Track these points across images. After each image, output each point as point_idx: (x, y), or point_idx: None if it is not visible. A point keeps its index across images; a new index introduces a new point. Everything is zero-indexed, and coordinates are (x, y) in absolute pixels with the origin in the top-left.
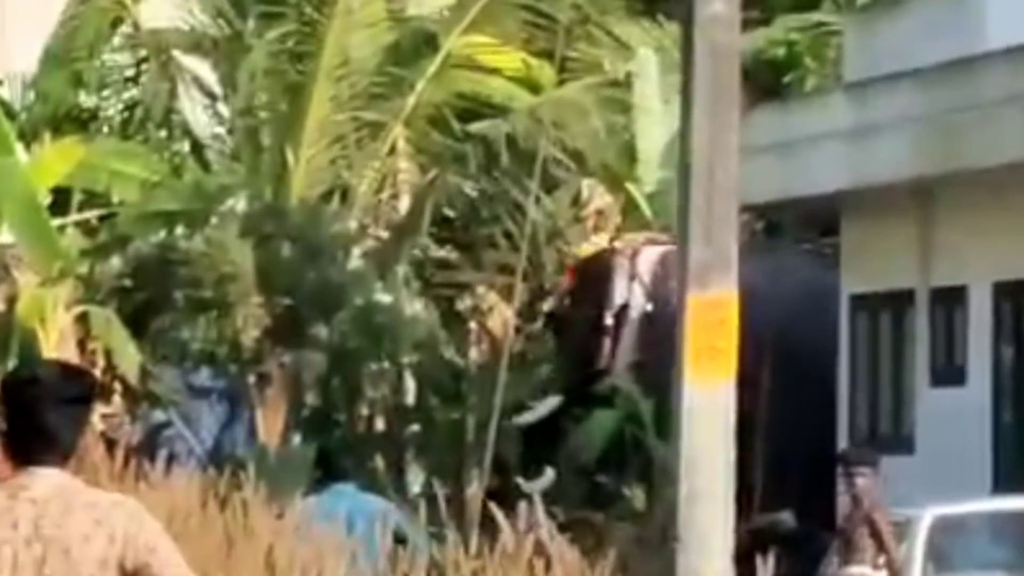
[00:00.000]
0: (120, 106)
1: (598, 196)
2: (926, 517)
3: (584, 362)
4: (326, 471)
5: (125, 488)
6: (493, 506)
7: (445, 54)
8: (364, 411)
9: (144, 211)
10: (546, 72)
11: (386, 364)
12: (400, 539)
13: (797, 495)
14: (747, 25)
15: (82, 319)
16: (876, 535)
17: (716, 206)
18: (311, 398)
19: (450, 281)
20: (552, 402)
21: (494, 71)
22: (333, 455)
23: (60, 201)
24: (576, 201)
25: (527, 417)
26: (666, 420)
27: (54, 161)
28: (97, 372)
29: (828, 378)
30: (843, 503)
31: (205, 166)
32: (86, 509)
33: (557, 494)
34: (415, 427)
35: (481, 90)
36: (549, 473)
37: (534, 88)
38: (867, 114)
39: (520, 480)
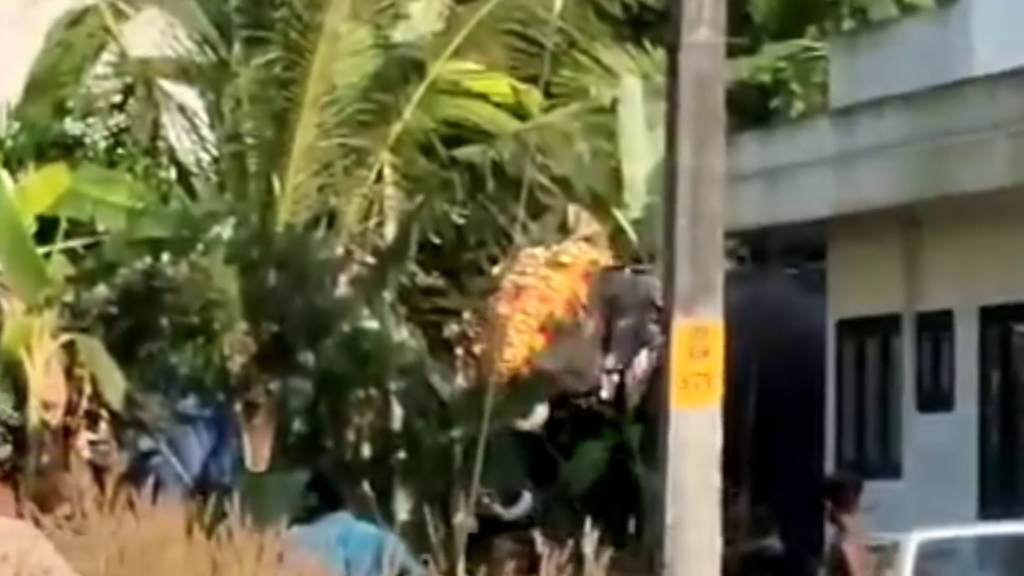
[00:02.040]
0: (105, 133)
1: (584, 222)
2: (913, 542)
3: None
4: (321, 498)
5: (112, 516)
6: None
7: (431, 80)
8: (351, 437)
9: (130, 238)
10: (534, 97)
11: (373, 390)
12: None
13: (784, 520)
14: (732, 51)
15: (68, 347)
16: (842, 567)
17: (701, 232)
18: (298, 424)
19: (437, 307)
20: (543, 411)
21: (481, 97)
22: (328, 482)
23: (46, 228)
24: (563, 227)
25: (523, 424)
26: (653, 447)
27: (39, 189)
28: (84, 400)
29: (815, 403)
30: (830, 528)
31: (191, 193)
32: None
33: (543, 521)
34: (402, 453)
35: (467, 116)
36: (526, 498)
37: (522, 114)
38: (853, 140)
39: (498, 507)
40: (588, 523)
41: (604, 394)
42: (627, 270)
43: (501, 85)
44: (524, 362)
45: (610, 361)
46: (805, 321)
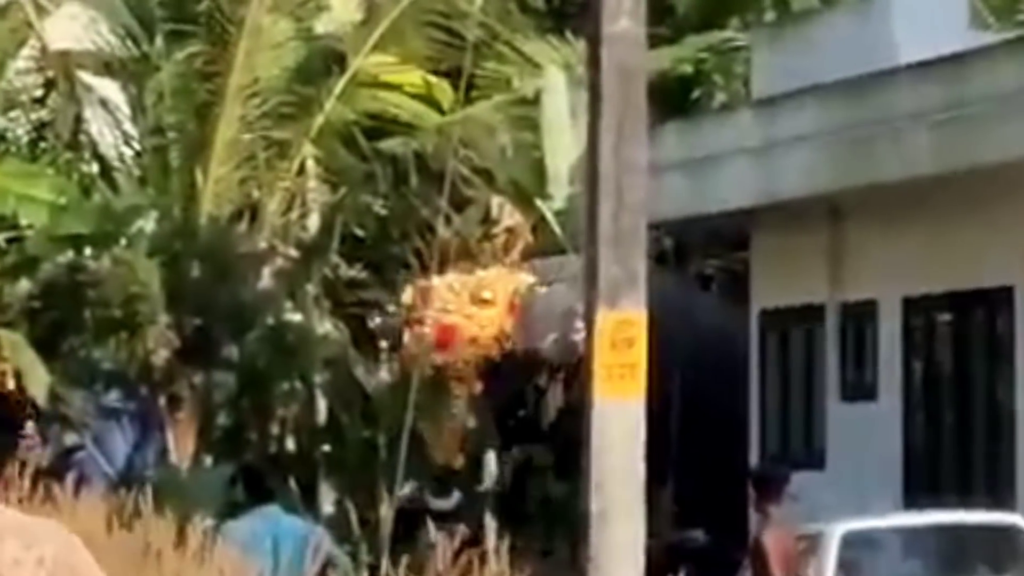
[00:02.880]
0: (27, 127)
1: (508, 214)
2: (837, 532)
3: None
4: (249, 492)
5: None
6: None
7: (352, 73)
8: (275, 431)
9: (53, 233)
10: (447, 91)
11: (297, 383)
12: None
13: (709, 511)
14: (654, 42)
15: None
16: (759, 557)
17: (624, 224)
18: (222, 418)
19: (360, 300)
20: (456, 498)
21: (398, 89)
22: (257, 476)
23: None
24: (486, 219)
25: (439, 504)
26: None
27: None
28: (7, 395)
29: (738, 393)
30: (755, 519)
31: (114, 187)
32: (15, 533)
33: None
34: (326, 447)
35: (387, 109)
36: (456, 492)
37: (436, 106)
38: (775, 130)
39: (429, 498)
40: (488, 515)
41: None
42: (542, 288)
43: (415, 77)
44: (470, 404)
45: (542, 380)
46: (723, 315)
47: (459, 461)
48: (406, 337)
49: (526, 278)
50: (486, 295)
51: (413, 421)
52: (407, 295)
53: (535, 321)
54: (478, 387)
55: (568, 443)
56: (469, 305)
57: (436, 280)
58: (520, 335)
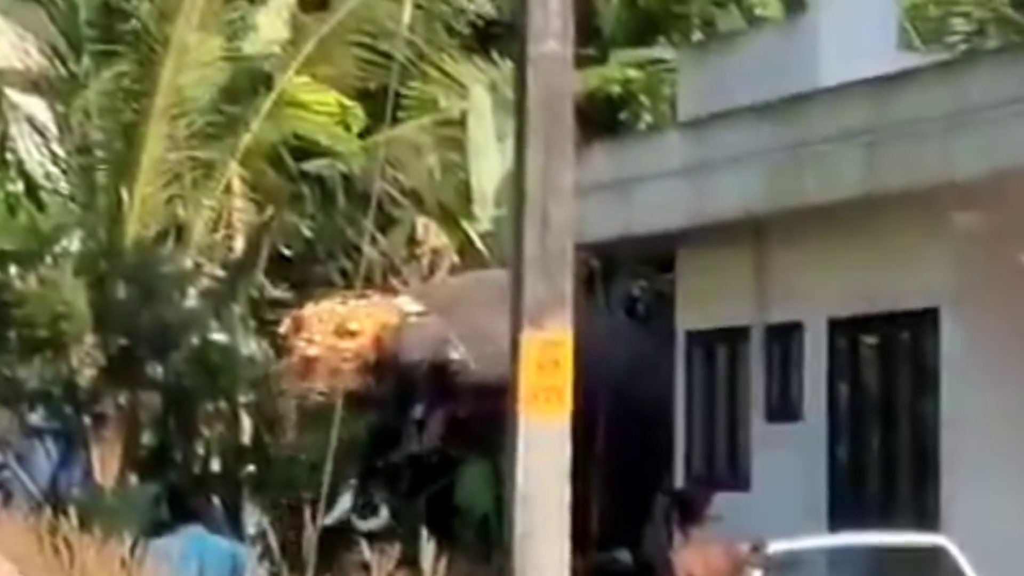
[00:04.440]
0: None
1: (433, 234)
2: (762, 552)
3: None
4: (173, 512)
5: None
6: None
7: (279, 93)
8: (200, 450)
9: None
10: (359, 115)
11: (222, 403)
12: None
13: (634, 532)
14: (581, 63)
15: None
16: None
17: (551, 244)
18: (147, 438)
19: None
20: (346, 503)
21: (317, 110)
22: (181, 496)
23: None
24: (412, 239)
25: (364, 525)
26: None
27: None
28: None
29: (664, 415)
30: (678, 539)
31: (40, 206)
32: None
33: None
34: (251, 466)
35: (308, 129)
36: (384, 512)
37: (348, 129)
38: (702, 151)
39: (354, 518)
40: (425, 533)
41: (414, 447)
42: (409, 320)
43: (329, 99)
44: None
45: (416, 412)
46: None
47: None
48: (280, 365)
49: (403, 305)
50: (352, 326)
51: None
52: (285, 324)
53: (409, 350)
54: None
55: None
56: (333, 336)
57: (308, 309)
58: (389, 367)
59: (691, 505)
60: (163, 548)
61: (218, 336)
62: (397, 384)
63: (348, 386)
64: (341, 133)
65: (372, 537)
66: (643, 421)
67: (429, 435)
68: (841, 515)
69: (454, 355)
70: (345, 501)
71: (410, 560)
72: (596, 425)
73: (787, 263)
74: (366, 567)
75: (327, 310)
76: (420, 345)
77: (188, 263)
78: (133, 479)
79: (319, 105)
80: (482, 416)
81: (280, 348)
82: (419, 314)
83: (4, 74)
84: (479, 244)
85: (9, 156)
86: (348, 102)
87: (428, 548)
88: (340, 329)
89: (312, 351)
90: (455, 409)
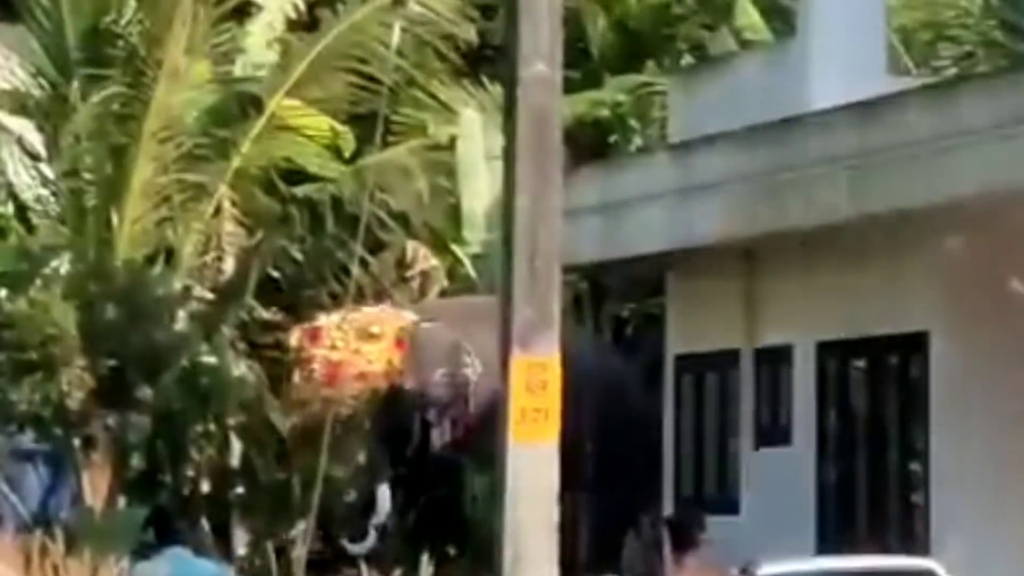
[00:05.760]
0: None
1: (422, 258)
2: None
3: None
4: (159, 534)
5: None
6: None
7: (268, 116)
8: (190, 473)
9: None
10: (350, 140)
11: (211, 426)
12: None
13: (623, 556)
14: (570, 87)
15: None
16: None
17: (539, 267)
18: (136, 460)
19: (276, 342)
20: (371, 541)
21: (307, 134)
22: (167, 518)
23: None
24: (401, 263)
25: (355, 549)
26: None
27: None
28: None
29: (653, 438)
30: (670, 565)
31: (29, 228)
32: None
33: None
34: (240, 489)
35: (298, 153)
36: (372, 535)
37: (339, 153)
38: (691, 175)
39: (345, 542)
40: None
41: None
42: (422, 324)
43: (321, 123)
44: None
45: (431, 415)
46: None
47: (350, 496)
48: (295, 377)
49: (410, 316)
50: (374, 330)
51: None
52: (293, 337)
53: (422, 355)
54: (367, 423)
55: (453, 479)
56: (356, 341)
57: (324, 320)
58: (409, 369)
59: (683, 531)
60: (148, 570)
61: (207, 358)
62: (414, 386)
63: (377, 388)
64: (330, 158)
65: (356, 561)
66: (631, 444)
67: (439, 439)
68: (830, 539)
69: (467, 361)
70: (384, 498)
71: None
72: (583, 448)
73: (777, 287)
74: None
75: (342, 318)
76: (435, 350)
77: (178, 286)
78: (122, 501)
79: (311, 130)
80: (492, 426)
81: (294, 361)
82: (428, 320)
83: None
84: (468, 267)
85: None
86: (340, 127)
87: (426, 566)
88: (362, 333)
89: (336, 356)
90: (466, 416)
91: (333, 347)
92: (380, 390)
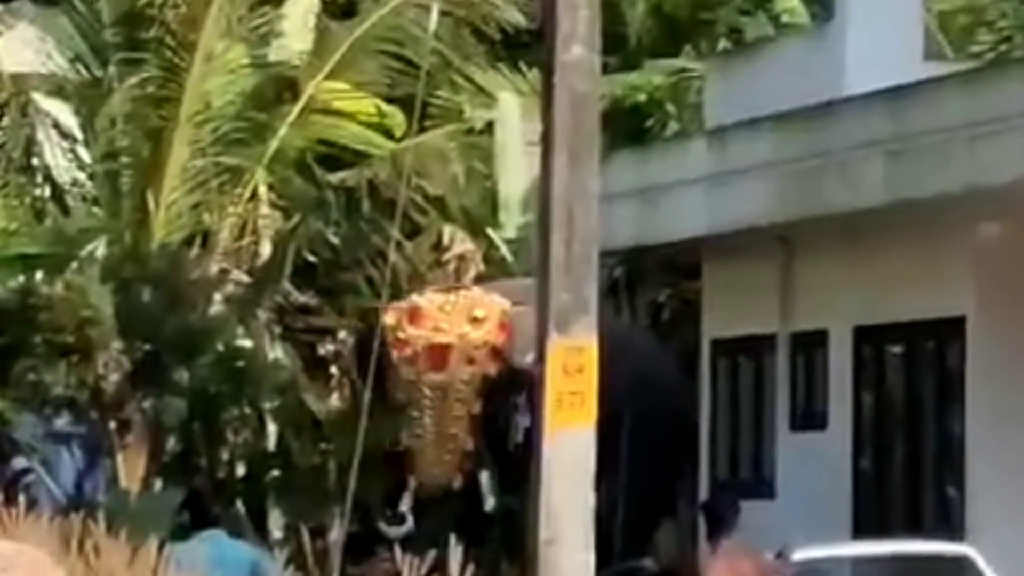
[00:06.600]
0: None
1: (459, 241)
2: (788, 561)
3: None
4: (194, 517)
5: None
6: None
7: (306, 100)
8: (225, 456)
9: (4, 255)
10: (398, 119)
11: (247, 409)
12: None
13: (659, 540)
14: (607, 71)
15: None
16: None
17: (576, 252)
18: (172, 443)
19: (312, 326)
20: (408, 525)
21: (350, 117)
22: (202, 501)
23: None
24: (437, 246)
25: (392, 532)
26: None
27: None
28: None
29: (689, 423)
30: (705, 549)
31: (65, 211)
32: None
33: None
34: (276, 472)
35: (339, 136)
36: (410, 519)
37: (388, 134)
38: (727, 159)
39: (382, 525)
40: (453, 539)
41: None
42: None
43: (368, 105)
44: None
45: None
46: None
47: (457, 481)
48: (394, 358)
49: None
50: (478, 313)
51: (367, 446)
52: (389, 316)
53: (518, 340)
54: (477, 407)
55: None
56: (463, 324)
57: (423, 300)
58: (509, 353)
59: (719, 516)
60: (182, 553)
61: (243, 342)
62: (509, 371)
63: (487, 374)
64: (378, 139)
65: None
66: (667, 429)
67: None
68: (865, 524)
69: None
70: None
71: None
72: (620, 432)
73: (813, 271)
74: (397, 574)
75: (443, 299)
76: (527, 334)
77: (214, 269)
78: (158, 484)
79: (356, 111)
80: None
81: (390, 342)
82: (516, 303)
83: (30, 79)
84: (504, 251)
85: (35, 161)
86: (387, 107)
87: (456, 552)
88: (468, 316)
89: (442, 339)
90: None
91: (437, 328)
92: (489, 376)
